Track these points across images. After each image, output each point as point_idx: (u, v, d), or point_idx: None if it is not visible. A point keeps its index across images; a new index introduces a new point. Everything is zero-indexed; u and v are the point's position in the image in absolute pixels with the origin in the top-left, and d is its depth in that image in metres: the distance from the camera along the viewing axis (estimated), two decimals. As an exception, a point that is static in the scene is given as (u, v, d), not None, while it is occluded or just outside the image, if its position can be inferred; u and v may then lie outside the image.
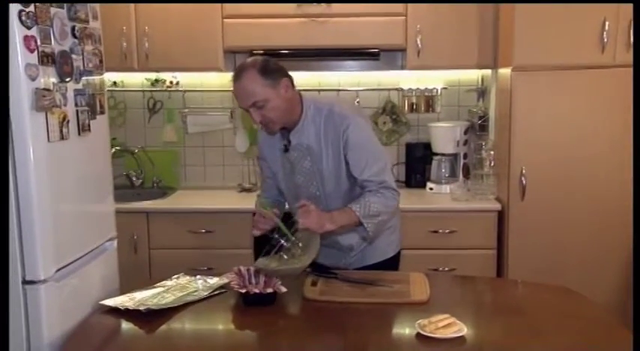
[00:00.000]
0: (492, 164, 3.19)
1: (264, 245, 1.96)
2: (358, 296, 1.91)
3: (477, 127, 3.34)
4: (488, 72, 3.36)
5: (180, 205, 3.18)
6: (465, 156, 3.36)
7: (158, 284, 2.03)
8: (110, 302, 1.87)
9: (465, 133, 3.34)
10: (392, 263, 2.24)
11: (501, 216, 3.01)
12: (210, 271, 2.78)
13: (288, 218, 1.93)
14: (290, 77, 1.97)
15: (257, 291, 1.85)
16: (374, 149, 2.00)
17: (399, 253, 2.27)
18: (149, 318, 1.79)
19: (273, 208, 2.01)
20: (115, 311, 1.84)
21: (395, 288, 1.96)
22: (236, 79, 1.90)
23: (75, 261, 1.94)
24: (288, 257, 1.89)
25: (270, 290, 1.86)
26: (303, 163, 2.05)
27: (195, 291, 1.98)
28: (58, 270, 1.85)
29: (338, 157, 2.00)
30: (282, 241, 1.89)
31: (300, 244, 1.89)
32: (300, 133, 2.02)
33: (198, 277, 2.08)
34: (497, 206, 3.01)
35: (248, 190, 3.46)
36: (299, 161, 2.06)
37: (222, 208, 3.10)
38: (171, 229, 3.12)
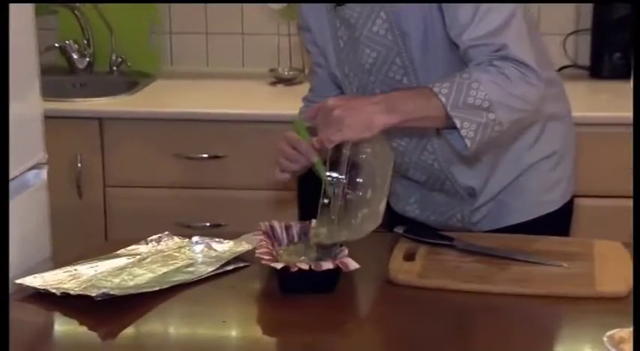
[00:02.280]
0: None
1: (315, 184, 1.99)
2: (493, 281, 1.92)
3: None
4: None
5: (162, 108, 3.24)
6: None
7: (123, 251, 2.07)
8: (36, 282, 1.91)
9: None
10: (557, 222, 2.28)
11: None
12: (217, 230, 2.93)
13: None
14: None
15: (305, 267, 1.86)
16: None
17: (570, 204, 2.32)
18: (106, 311, 1.80)
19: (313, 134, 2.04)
20: (44, 297, 1.87)
21: (565, 268, 1.97)
22: None
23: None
24: (343, 207, 1.93)
25: (328, 266, 1.87)
26: (372, 26, 2.08)
27: (191, 265, 2.01)
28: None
29: (429, 10, 2.02)
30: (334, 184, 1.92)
31: (360, 180, 1.92)
32: None
33: (195, 239, 2.12)
34: None
35: (287, 82, 3.50)
36: (364, 23, 2.09)
37: (240, 115, 3.17)
38: (146, 152, 3.18)
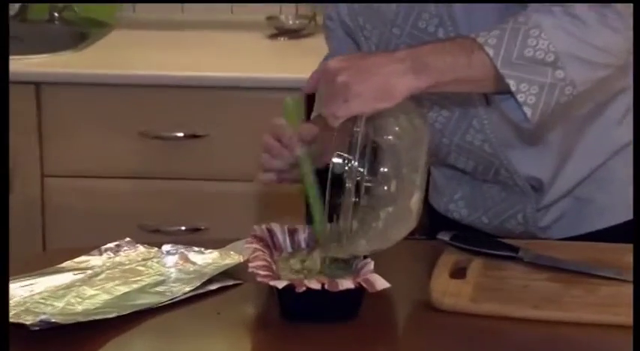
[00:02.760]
0: None
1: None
2: (572, 307, 1.84)
3: None
4: None
5: (121, 70, 3.23)
6: None
7: (68, 264, 2.04)
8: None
9: None
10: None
11: None
12: (196, 236, 2.89)
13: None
14: None
15: (316, 286, 1.76)
16: None
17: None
18: (45, 345, 1.75)
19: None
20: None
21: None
22: None
23: None
24: (359, 206, 1.85)
25: (347, 285, 1.77)
26: None
27: (161, 283, 1.96)
28: None
29: None
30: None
31: (385, 170, 1.83)
32: None
33: (167, 248, 2.07)
34: None
35: (292, 34, 3.54)
36: None
37: (228, 79, 3.18)
38: (99, 129, 3.16)
